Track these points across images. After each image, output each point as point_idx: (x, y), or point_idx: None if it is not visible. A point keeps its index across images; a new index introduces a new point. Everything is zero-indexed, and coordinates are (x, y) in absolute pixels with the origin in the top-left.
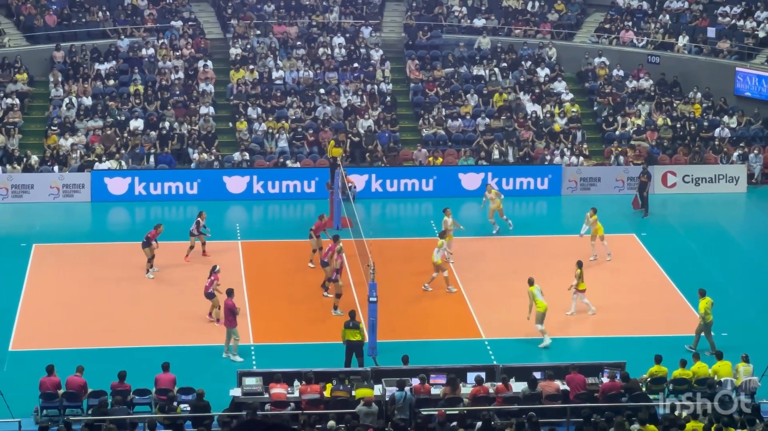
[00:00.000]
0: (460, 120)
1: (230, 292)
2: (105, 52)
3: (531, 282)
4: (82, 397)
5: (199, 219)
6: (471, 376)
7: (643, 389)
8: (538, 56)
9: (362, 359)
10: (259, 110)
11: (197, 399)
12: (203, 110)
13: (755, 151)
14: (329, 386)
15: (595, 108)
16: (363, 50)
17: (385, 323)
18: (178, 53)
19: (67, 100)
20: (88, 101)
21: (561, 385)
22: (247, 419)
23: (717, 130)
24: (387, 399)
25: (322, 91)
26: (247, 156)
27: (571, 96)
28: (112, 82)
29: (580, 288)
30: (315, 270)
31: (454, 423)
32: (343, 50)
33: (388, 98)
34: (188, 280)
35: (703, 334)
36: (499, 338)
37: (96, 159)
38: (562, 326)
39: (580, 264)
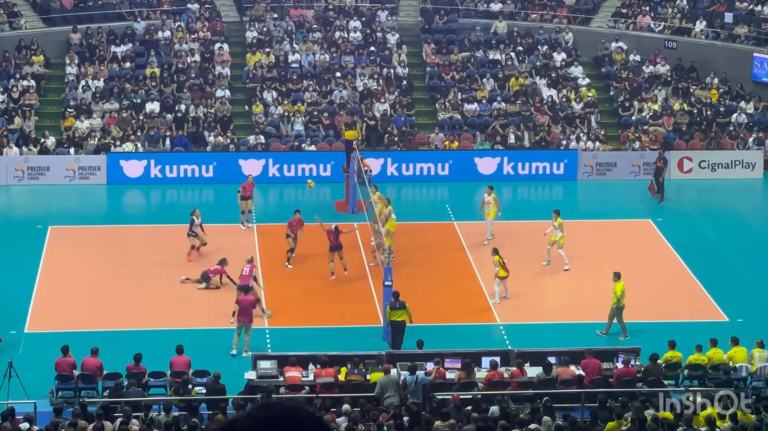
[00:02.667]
0: (476, 104)
1: (245, 288)
2: (121, 34)
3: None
4: (97, 379)
5: (193, 218)
6: (486, 361)
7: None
8: (554, 41)
9: (401, 339)
10: (275, 93)
11: (214, 381)
12: (219, 93)
13: None
14: (344, 370)
15: (612, 93)
16: (379, 34)
17: None
18: (194, 36)
19: (83, 83)
20: (104, 84)
21: (576, 370)
22: (264, 402)
23: (734, 116)
24: (400, 383)
25: (338, 74)
26: (262, 139)
27: (587, 81)
28: (128, 64)
29: (500, 275)
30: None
31: (469, 408)
32: (359, 34)
33: (404, 82)
34: (203, 263)
35: (615, 319)
36: (514, 323)
37: (112, 141)
38: (577, 311)
39: (495, 251)
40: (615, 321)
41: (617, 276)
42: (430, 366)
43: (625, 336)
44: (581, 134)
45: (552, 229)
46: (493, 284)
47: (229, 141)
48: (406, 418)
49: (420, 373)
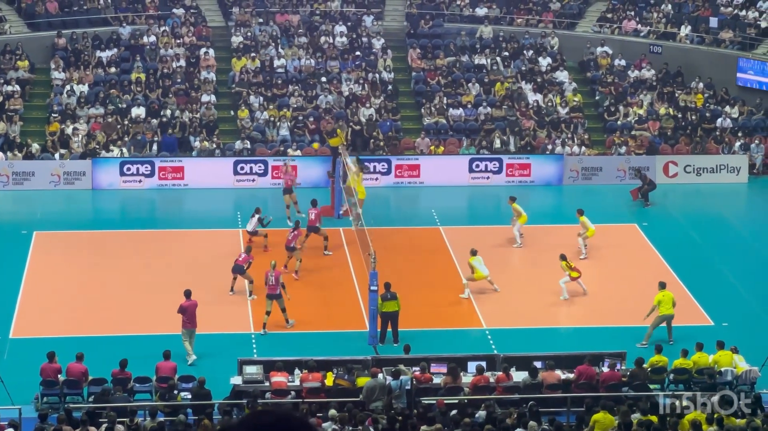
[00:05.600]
0: (461, 109)
1: (189, 293)
2: (106, 39)
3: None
4: (82, 385)
5: (255, 215)
6: (472, 365)
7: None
8: (540, 45)
9: (396, 329)
10: (261, 98)
11: (198, 386)
12: (205, 98)
13: (757, 141)
14: (330, 375)
15: (597, 97)
16: (365, 39)
17: None
18: (179, 41)
19: (68, 88)
20: (89, 89)
21: (562, 375)
22: (255, 410)
23: (719, 120)
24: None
25: (323, 79)
26: (248, 144)
27: (573, 85)
28: (113, 69)
29: (572, 276)
30: (317, 257)
31: (455, 412)
32: (344, 39)
33: (390, 87)
34: (190, 268)
35: (657, 324)
36: (500, 327)
37: (97, 146)
38: (562, 315)
39: (563, 257)
40: (652, 328)
41: (661, 286)
42: (416, 370)
43: (643, 344)
44: (567, 139)
45: (582, 231)
46: (560, 284)
47: (214, 146)
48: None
49: (404, 377)
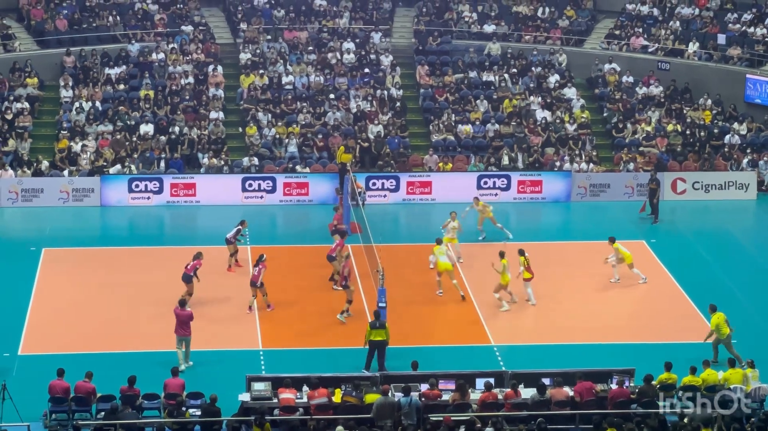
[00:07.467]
0: (470, 126)
1: (183, 302)
2: (115, 56)
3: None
4: (91, 402)
5: (239, 227)
6: (480, 382)
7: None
8: (548, 62)
9: (384, 359)
10: (269, 115)
11: (210, 403)
12: (213, 115)
13: (765, 158)
14: (338, 391)
15: (605, 114)
16: (373, 55)
17: (394, 328)
18: (188, 58)
19: (77, 105)
20: (98, 106)
21: (570, 392)
22: None
23: (727, 137)
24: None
25: (332, 96)
26: (256, 161)
27: (581, 102)
28: (122, 86)
29: (525, 276)
30: (322, 276)
31: (463, 429)
32: (353, 55)
33: (398, 103)
34: (198, 284)
35: (724, 346)
36: (508, 344)
37: (105, 163)
38: (571, 332)
39: (522, 252)
40: (729, 350)
41: (712, 309)
42: (424, 387)
43: (743, 363)
44: (575, 155)
45: (612, 258)
46: (524, 288)
47: (222, 163)
48: None
49: (414, 395)
